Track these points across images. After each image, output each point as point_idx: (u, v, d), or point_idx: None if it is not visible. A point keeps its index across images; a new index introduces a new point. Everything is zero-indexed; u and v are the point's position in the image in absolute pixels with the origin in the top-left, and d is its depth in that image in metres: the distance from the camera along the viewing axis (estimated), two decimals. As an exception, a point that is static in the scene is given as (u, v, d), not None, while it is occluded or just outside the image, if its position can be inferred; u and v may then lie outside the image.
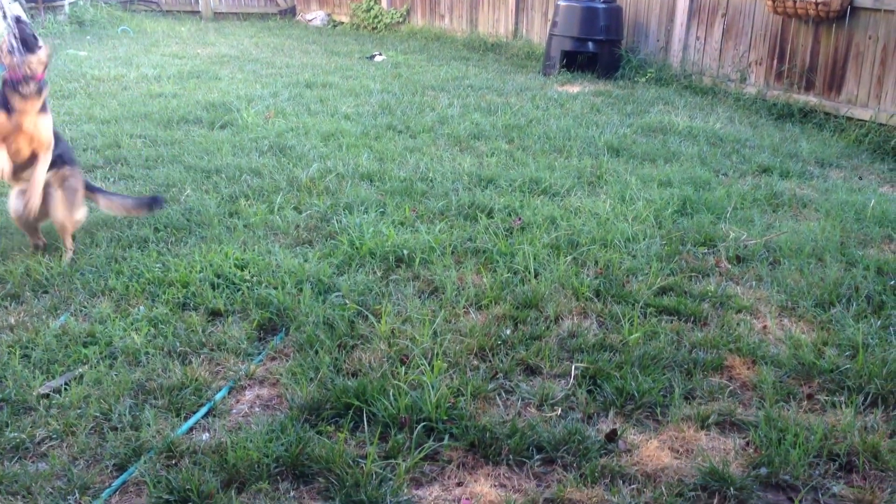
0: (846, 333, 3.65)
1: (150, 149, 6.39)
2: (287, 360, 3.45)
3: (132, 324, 3.66)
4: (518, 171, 5.82)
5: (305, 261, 4.28)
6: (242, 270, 4.16)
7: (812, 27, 8.46)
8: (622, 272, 4.23)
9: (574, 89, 9.36)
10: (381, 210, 5.02)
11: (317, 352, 3.46)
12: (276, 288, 3.97)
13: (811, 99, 8.44)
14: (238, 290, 3.98)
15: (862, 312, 3.87)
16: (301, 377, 3.26)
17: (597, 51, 10.19)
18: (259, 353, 3.51)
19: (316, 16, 16.17)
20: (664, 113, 8.00)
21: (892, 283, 4.13)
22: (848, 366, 3.37)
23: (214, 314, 3.81)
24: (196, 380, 3.27)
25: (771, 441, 2.90)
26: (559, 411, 3.10)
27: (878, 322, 3.76)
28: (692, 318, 3.83)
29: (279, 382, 3.29)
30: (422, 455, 2.83)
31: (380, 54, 11.66)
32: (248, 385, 3.31)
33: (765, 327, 3.77)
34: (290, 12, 16.75)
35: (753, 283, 4.21)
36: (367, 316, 3.74)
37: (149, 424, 2.97)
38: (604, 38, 10.16)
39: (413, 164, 6.00)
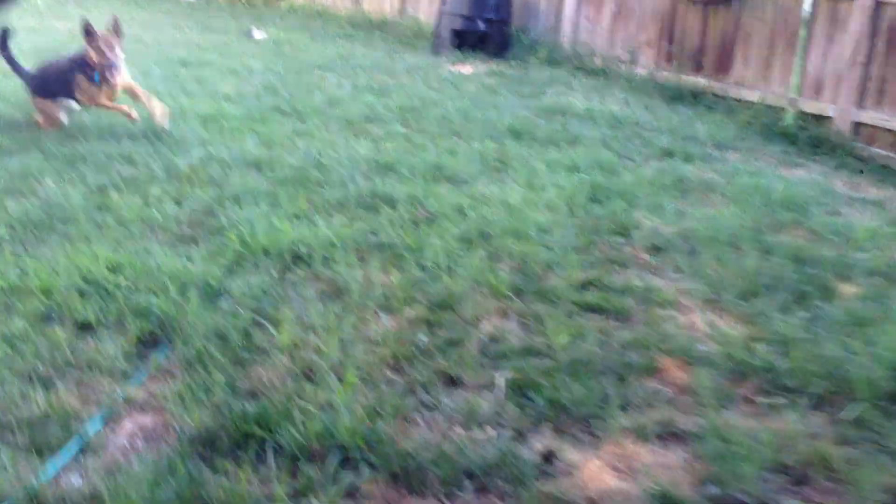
0: (774, 327, 3.50)
1: (3, 134, 5.66)
2: (173, 381, 2.98)
3: (-18, 343, 3.10)
4: (418, 156, 5.47)
5: (189, 261, 3.80)
6: (116, 274, 3.64)
7: (700, 8, 8.46)
8: (539, 266, 3.96)
9: (467, 69, 9.08)
10: (273, 201, 4.56)
11: (208, 369, 3.01)
12: (156, 294, 3.48)
13: (700, 80, 8.46)
14: (111, 298, 3.46)
15: (786, 304, 3.74)
16: (190, 401, 2.82)
17: (487, 30, 9.94)
18: (139, 373, 3.03)
19: (188, -11, 15.20)
20: (561, 94, 7.82)
21: (812, 271, 4.03)
22: (782, 364, 3.21)
23: (83, 327, 3.29)
24: (63, 409, 2.77)
25: (719, 454, 2.68)
26: (490, 431, 2.78)
27: (804, 314, 3.63)
28: (617, 315, 3.59)
29: (164, 408, 2.83)
30: (338, 492, 2.45)
31: (259, 30, 11.01)
32: (127, 413, 2.83)
33: (691, 322, 3.58)
34: (159, -15, 15.67)
35: (673, 274, 4.03)
36: (263, 324, 3.32)
37: (5, 468, 2.46)
38: (494, 17, 9.92)
39: (304, 150, 5.54)
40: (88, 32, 5.39)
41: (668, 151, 6.09)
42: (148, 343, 3.23)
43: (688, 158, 5.96)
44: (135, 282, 3.59)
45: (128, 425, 2.77)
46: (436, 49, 10.13)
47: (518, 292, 3.71)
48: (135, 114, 5.73)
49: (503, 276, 3.82)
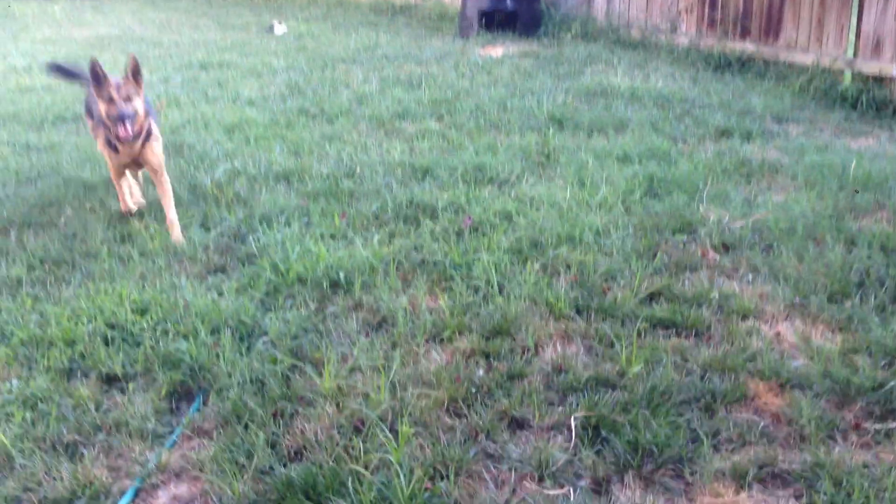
0: (873, 335, 3.11)
1: (21, 157, 5.43)
2: (209, 442, 2.69)
3: (1, 408, 2.84)
4: (456, 156, 5.11)
5: (220, 296, 3.50)
6: (142, 316, 3.36)
7: (744, -31, 7.95)
8: (600, 277, 3.60)
9: (497, 52, 8.66)
10: (306, 219, 4.24)
11: (246, 426, 2.72)
12: (186, 338, 3.19)
13: (748, 46, 7.97)
14: (139, 345, 3.18)
15: (881, 304, 3.34)
16: (229, 466, 2.52)
17: (516, 8, 9.50)
18: (172, 433, 2.74)
19: (205, -15, 14.91)
20: (600, 73, 7.39)
21: (905, 263, 3.62)
22: (889, 380, 2.82)
23: (110, 381, 3.02)
24: (91, 483, 2.50)
25: (833, 501, 2.32)
26: (566, 485, 2.45)
27: (906, 316, 3.23)
28: (693, 331, 3.22)
29: (201, 475, 2.54)
30: (402, 577, 2.14)
31: (280, 23, 10.68)
32: (162, 482, 2.55)
33: (778, 334, 3.20)
34: (176, -17, 15.41)
35: (749, 276, 3.64)
36: (304, 368, 3.01)
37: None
38: (522, -6, 9.47)
39: (335, 156, 5.22)
40: (97, 78, 3.96)
41: (724, 130, 5.66)
42: (180, 395, 2.95)
43: (747, 136, 5.53)
44: (163, 324, 3.30)
45: (162, 497, 2.49)
46: (462, 32, 9.72)
47: (580, 310, 3.36)
48: (132, 205, 4.47)
49: (561, 291, 3.46)
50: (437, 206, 4.33)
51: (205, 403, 2.88)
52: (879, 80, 6.92)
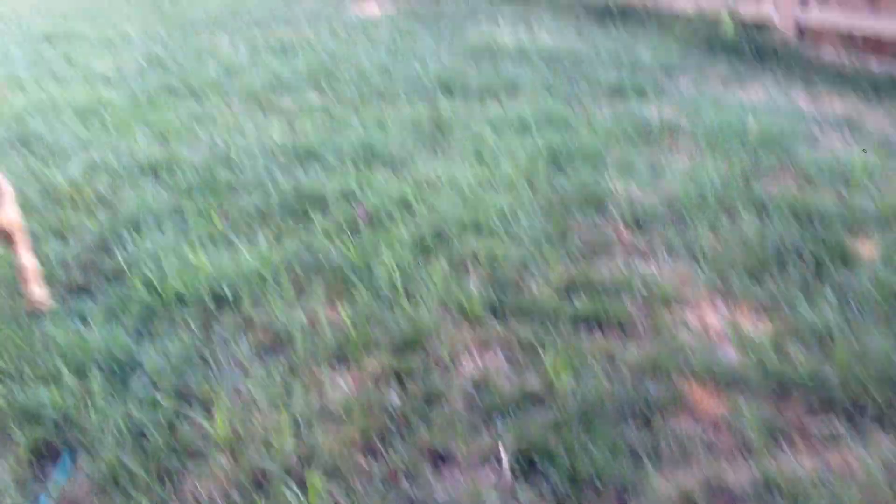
0: (801, 317, 2.96)
1: None
2: (83, 516, 2.28)
3: None
4: (342, 134, 4.70)
5: (85, 324, 3.03)
6: (-9, 358, 2.86)
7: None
8: (513, 269, 3.32)
9: (373, 9, 8.21)
10: (180, 222, 3.76)
11: (126, 492, 2.31)
12: (47, 382, 2.73)
13: (629, -7, 7.81)
14: (-12, 397, 2.69)
15: (805, 280, 3.20)
16: (110, 550, 2.13)
17: (388, -41, 9.00)
18: (38, 507, 2.31)
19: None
20: (483, 29, 7.07)
21: (819, 230, 3.50)
22: (828, 371, 2.68)
23: (-45, 445, 2.54)
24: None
25: (791, 524, 2.14)
26: (505, 535, 2.18)
27: (831, 293, 3.10)
28: (618, 327, 3.00)
29: (77, 563, 2.14)
30: None
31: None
32: (29, 576, 2.14)
33: (705, 323, 3.02)
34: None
35: (666, 255, 3.45)
36: (191, 411, 2.61)
37: None
38: (394, -56, 8.98)
39: (207, 141, 4.71)
40: None
41: (617, 88, 5.46)
42: (43, 457, 2.50)
43: (640, 93, 5.35)
44: (17, 366, 2.81)
45: None
46: (334, -14, 9.18)
47: (495, 311, 3.08)
48: None
49: (474, 290, 3.16)
50: (327, 195, 3.94)
51: (74, 465, 2.45)
52: (759, 25, 6.89)
